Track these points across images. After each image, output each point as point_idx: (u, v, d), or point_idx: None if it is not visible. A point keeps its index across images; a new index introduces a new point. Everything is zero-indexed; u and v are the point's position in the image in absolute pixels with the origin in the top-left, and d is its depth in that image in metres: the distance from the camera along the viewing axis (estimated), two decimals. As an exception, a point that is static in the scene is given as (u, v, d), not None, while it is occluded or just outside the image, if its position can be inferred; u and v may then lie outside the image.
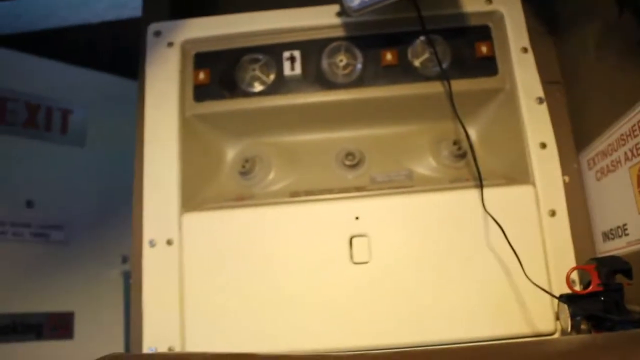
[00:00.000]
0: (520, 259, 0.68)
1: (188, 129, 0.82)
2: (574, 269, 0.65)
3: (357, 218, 0.76)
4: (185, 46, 0.85)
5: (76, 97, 1.28)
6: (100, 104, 1.30)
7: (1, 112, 1.18)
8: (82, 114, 1.28)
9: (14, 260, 1.16)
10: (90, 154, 1.28)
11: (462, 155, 0.82)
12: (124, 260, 1.28)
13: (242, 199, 0.81)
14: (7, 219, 1.16)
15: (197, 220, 0.78)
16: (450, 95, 0.78)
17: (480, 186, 0.73)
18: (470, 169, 0.80)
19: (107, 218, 1.26)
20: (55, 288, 1.19)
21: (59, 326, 1.18)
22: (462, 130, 0.76)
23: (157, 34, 0.86)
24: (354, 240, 0.75)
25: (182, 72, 0.84)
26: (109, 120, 1.29)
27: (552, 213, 0.75)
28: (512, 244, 0.69)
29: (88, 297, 1.23)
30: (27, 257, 1.17)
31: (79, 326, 1.21)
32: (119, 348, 1.23)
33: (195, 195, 0.81)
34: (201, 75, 0.84)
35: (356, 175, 0.84)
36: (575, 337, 0.58)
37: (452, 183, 0.80)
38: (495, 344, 0.55)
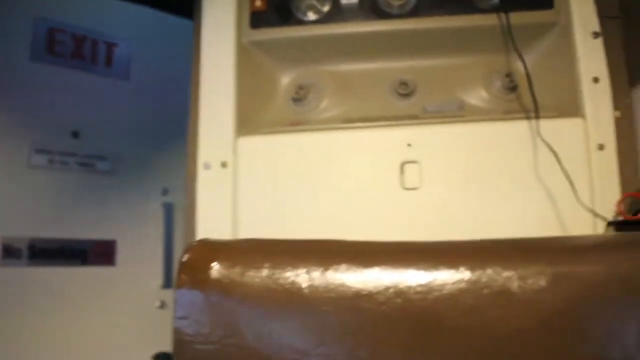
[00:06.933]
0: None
1: (244, 55, 0.84)
2: (626, 195, 0.67)
3: (409, 145, 0.78)
4: (242, -26, 0.86)
5: (121, 31, 1.30)
6: (144, 39, 1.32)
7: (49, 43, 1.20)
8: (126, 47, 1.30)
9: (61, 188, 1.19)
10: (135, 87, 1.29)
11: (514, 88, 0.83)
12: (165, 192, 1.31)
13: (295, 125, 0.83)
14: (55, 148, 1.19)
15: (252, 144, 0.80)
16: (508, 27, 0.78)
17: (537, 116, 0.74)
18: (520, 101, 0.81)
19: (150, 150, 1.28)
20: (99, 216, 1.23)
21: (102, 253, 1.22)
22: (517, 62, 0.77)
23: (215, -37, 0.86)
24: (405, 167, 0.77)
25: (240, -1, 0.85)
26: (153, 56, 1.31)
27: (601, 147, 0.76)
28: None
29: (130, 227, 1.27)
30: (74, 186, 1.21)
31: (121, 254, 1.25)
32: (159, 277, 1.27)
33: (250, 120, 0.83)
34: (258, 2, 0.85)
35: (409, 104, 0.85)
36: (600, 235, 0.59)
37: (503, 114, 0.81)
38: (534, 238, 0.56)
